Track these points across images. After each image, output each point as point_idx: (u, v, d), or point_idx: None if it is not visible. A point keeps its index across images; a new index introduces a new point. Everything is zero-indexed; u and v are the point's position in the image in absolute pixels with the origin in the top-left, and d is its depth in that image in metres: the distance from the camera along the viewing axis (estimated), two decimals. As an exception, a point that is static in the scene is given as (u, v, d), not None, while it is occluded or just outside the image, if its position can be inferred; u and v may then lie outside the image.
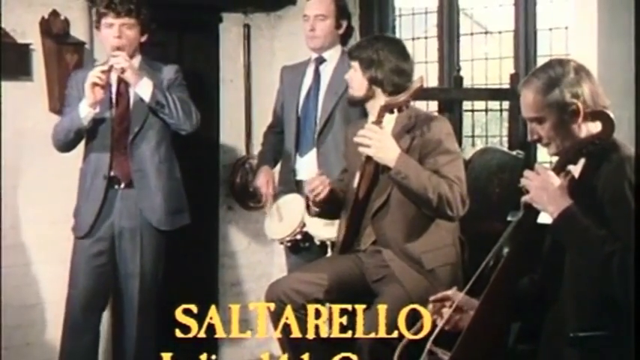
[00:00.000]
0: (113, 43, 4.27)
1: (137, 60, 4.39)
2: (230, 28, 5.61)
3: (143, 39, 4.40)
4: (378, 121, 3.78)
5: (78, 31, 4.80)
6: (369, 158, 3.82)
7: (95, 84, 4.13)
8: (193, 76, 5.25)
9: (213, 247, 5.65)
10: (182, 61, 5.30)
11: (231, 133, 5.63)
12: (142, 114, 4.32)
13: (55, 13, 4.81)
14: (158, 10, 4.77)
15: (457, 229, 3.95)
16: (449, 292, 3.23)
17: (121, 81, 4.27)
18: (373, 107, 3.95)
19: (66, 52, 4.81)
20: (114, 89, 4.32)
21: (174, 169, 4.49)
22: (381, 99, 3.90)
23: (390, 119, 3.84)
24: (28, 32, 4.78)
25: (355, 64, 3.97)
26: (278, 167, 4.92)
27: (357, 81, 3.98)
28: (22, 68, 4.78)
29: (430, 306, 3.24)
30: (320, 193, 3.90)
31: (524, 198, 2.87)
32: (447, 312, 3.16)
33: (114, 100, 4.33)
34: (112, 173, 4.33)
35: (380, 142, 3.72)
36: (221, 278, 5.68)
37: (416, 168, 3.73)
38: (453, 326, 3.13)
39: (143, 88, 4.24)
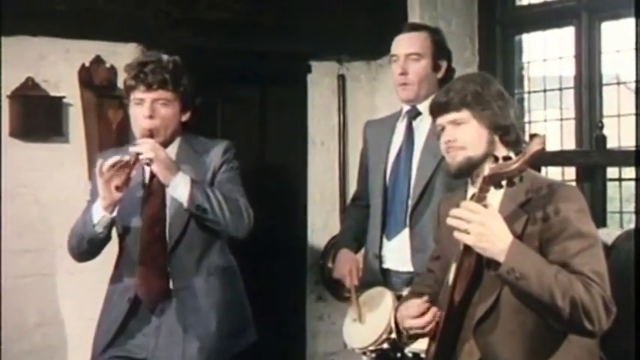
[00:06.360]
0: (143, 125, 3.35)
1: (175, 144, 3.49)
2: (321, 79, 5.32)
3: (185, 118, 3.48)
4: (481, 197, 2.85)
5: (126, 81, 4.31)
6: (467, 248, 2.90)
7: (109, 180, 3.23)
8: (278, 136, 5.21)
9: (300, 347, 5.25)
10: (265, 119, 5.19)
11: (321, 207, 5.30)
12: (182, 215, 3.41)
13: (98, 60, 4.39)
14: (238, 60, 4.77)
15: (597, 347, 3.03)
16: None
17: (153, 174, 3.38)
18: (477, 174, 3.06)
19: (108, 107, 4.34)
20: (145, 181, 3.45)
21: (231, 277, 3.60)
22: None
23: (496, 192, 2.92)
24: (63, 83, 4.40)
25: (464, 113, 3.04)
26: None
27: (472, 134, 3.06)
28: (53, 127, 4.32)
29: None
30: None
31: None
32: None
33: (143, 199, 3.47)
34: (137, 294, 3.43)
35: (483, 226, 2.80)
36: (309, 386, 5.23)
37: (536, 263, 2.82)
38: None
39: (178, 189, 3.31)
